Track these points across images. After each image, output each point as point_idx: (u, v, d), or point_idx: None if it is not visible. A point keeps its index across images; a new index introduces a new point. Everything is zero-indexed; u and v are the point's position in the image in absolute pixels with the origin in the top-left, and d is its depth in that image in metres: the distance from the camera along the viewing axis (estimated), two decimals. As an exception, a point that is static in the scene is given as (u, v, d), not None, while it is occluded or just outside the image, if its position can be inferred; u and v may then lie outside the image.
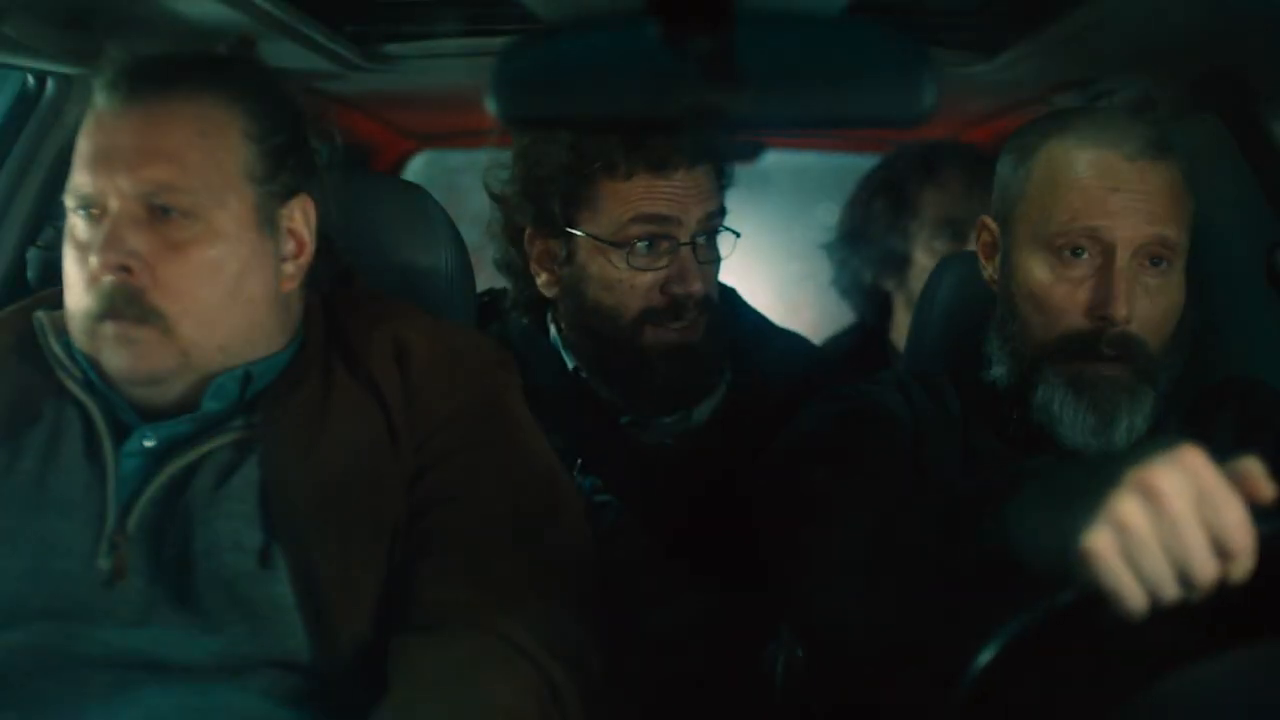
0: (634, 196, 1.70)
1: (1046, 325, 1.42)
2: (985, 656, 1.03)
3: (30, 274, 1.83)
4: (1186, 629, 1.03)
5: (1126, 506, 0.97)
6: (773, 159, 2.70)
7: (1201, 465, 0.97)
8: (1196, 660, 1.01)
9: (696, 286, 1.70)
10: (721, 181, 1.79)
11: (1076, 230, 1.40)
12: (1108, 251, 1.39)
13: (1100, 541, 0.97)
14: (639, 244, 1.70)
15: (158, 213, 1.34)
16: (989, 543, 1.12)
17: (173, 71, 1.39)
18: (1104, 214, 1.39)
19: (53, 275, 1.77)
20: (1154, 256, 1.40)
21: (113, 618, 1.32)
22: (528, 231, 1.79)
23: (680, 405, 1.79)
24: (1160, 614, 0.99)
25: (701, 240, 1.73)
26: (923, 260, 2.39)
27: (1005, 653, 1.02)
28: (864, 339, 2.45)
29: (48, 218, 1.84)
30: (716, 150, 1.62)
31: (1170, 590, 0.97)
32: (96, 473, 1.37)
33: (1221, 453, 1.02)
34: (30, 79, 1.84)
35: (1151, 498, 0.96)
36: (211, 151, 1.37)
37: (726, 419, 1.82)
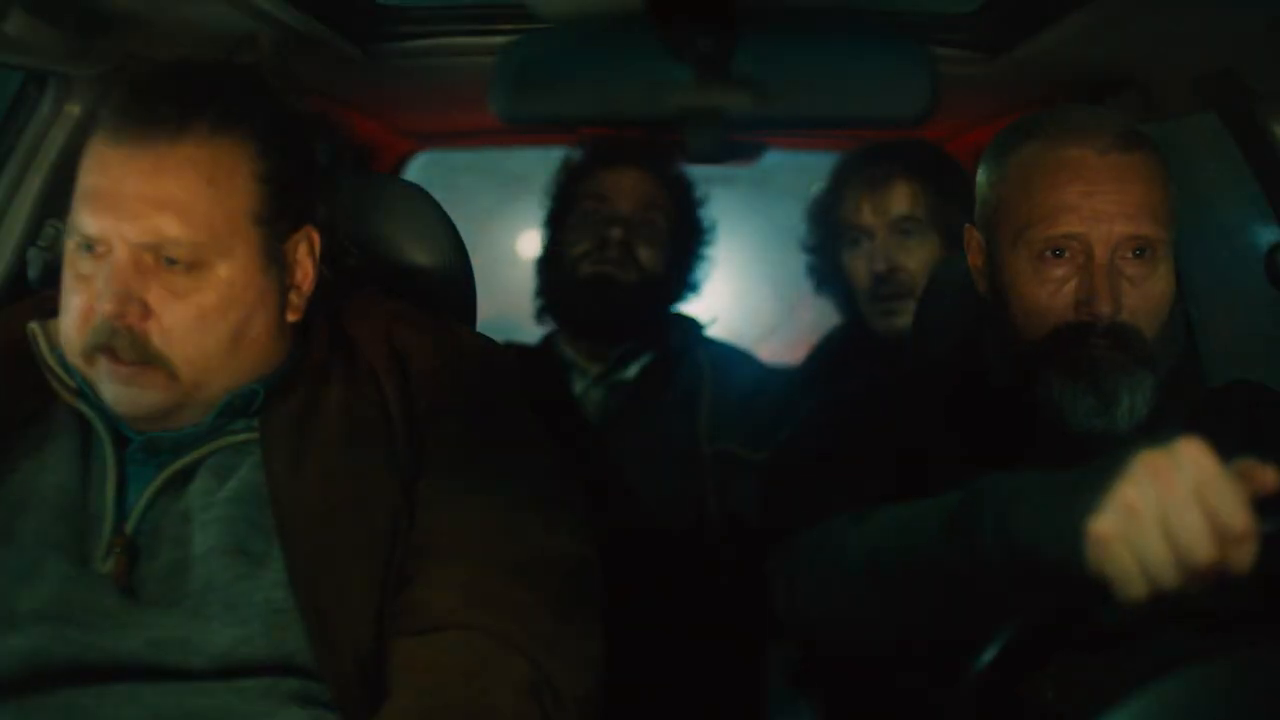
0: (591, 184, 2.33)
1: (1037, 325, 1.44)
2: (988, 655, 1.03)
3: (31, 274, 1.83)
4: (1194, 628, 1.04)
5: (1131, 490, 1.01)
6: (773, 159, 2.70)
7: (1201, 453, 1.02)
8: (1199, 660, 1.01)
9: (614, 232, 2.27)
10: (669, 190, 2.32)
11: (1056, 233, 1.41)
12: (1087, 250, 1.40)
13: (1106, 525, 1.01)
14: (586, 210, 2.32)
15: (162, 261, 1.33)
16: (993, 539, 1.13)
17: (184, 109, 1.34)
18: (1080, 215, 1.40)
19: (54, 275, 1.78)
20: (1136, 249, 1.41)
21: (110, 620, 1.31)
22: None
23: (601, 330, 2.30)
24: (1169, 611, 1.00)
25: (646, 222, 2.30)
26: (847, 266, 2.36)
27: (1008, 651, 1.03)
28: (854, 337, 2.44)
29: (47, 217, 1.84)
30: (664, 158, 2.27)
31: (1168, 574, 0.99)
32: (95, 476, 1.37)
33: (1226, 456, 1.04)
34: (30, 79, 1.84)
35: (1153, 482, 1.00)
36: (220, 200, 1.34)
37: (646, 390, 2.31)
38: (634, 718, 1.71)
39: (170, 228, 1.32)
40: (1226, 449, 1.42)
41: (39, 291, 1.69)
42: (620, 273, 2.26)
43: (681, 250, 2.37)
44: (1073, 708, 1.07)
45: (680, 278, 2.38)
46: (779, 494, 1.50)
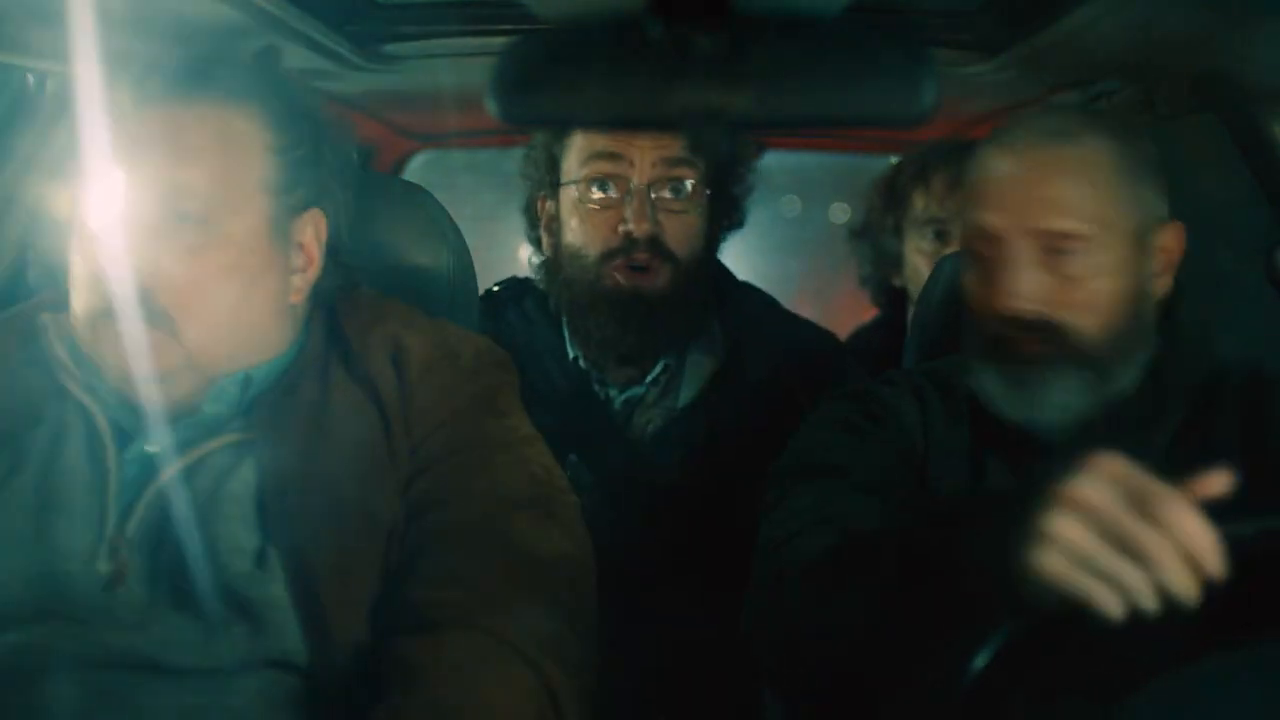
0: (593, 137, 1.82)
1: (976, 323, 1.46)
2: (978, 663, 1.03)
3: (31, 274, 1.83)
4: (1181, 633, 1.04)
5: (1055, 522, 1.00)
6: (773, 159, 2.70)
7: (1121, 468, 1.00)
8: (1194, 661, 1.01)
9: (644, 226, 1.76)
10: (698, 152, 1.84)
11: (974, 228, 1.43)
12: (1003, 245, 1.41)
13: (1047, 561, 1.00)
14: (593, 183, 1.81)
15: (172, 216, 1.34)
16: (942, 572, 1.13)
17: (201, 76, 1.38)
18: (999, 210, 1.41)
19: (53, 276, 1.78)
20: (1058, 244, 1.40)
21: (112, 620, 1.32)
22: (538, 198, 1.92)
23: (633, 356, 1.85)
24: (1157, 620, 1.00)
25: (666, 192, 1.80)
26: (913, 259, 2.39)
27: (993, 663, 1.03)
28: (889, 333, 2.45)
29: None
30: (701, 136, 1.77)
31: (1140, 585, 0.98)
32: (98, 476, 1.37)
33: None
34: (30, 79, 1.84)
35: (1077, 508, 0.99)
36: (232, 160, 1.37)
37: (712, 404, 1.89)
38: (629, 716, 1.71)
39: (182, 179, 1.34)
40: (1224, 433, 1.42)
41: (38, 292, 1.69)
42: (651, 282, 1.78)
43: (718, 210, 1.87)
44: (1072, 708, 1.07)
45: (718, 241, 1.92)
46: (778, 500, 1.50)
